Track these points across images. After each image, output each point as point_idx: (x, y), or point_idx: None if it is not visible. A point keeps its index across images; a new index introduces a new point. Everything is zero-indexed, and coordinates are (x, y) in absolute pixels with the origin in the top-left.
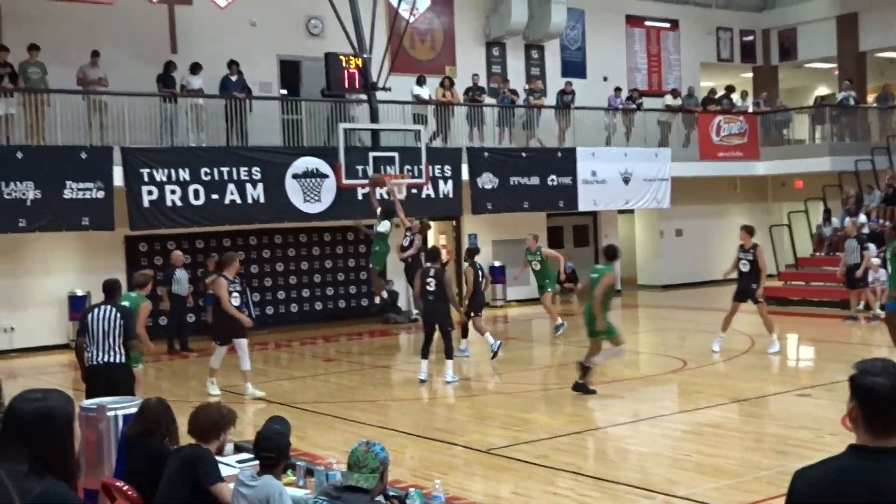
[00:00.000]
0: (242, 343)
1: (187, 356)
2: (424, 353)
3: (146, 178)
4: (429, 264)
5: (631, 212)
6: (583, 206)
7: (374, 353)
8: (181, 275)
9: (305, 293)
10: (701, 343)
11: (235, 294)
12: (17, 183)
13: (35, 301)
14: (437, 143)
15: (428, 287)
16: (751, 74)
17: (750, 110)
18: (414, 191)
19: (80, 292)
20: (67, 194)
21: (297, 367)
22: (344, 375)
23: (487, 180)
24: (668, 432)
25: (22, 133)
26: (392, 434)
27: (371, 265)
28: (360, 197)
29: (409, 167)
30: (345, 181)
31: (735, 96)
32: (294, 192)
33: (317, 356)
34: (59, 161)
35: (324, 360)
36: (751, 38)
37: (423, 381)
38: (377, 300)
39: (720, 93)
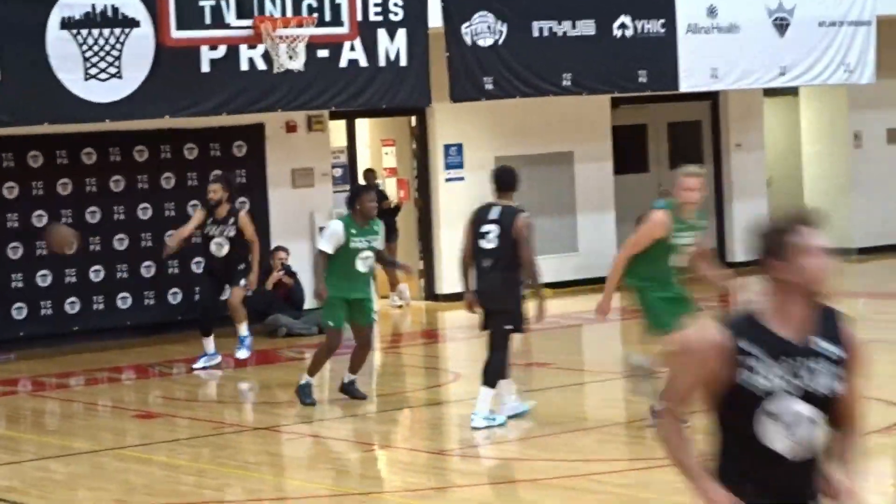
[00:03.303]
0: None
1: None
2: (486, 376)
3: None
4: (496, 201)
5: (793, 93)
6: (688, 82)
7: (232, 396)
8: None
9: (96, 276)
10: None
11: None
12: None
13: None
14: None
15: (483, 244)
16: None
17: None
18: (325, 53)
19: None
20: None
21: (73, 431)
22: (176, 448)
23: (483, 28)
24: None
25: None
26: None
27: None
28: (205, 67)
29: (312, 2)
30: (175, 34)
31: None
32: (64, 59)
33: (120, 408)
34: None
35: (135, 415)
36: None
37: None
38: None
39: None
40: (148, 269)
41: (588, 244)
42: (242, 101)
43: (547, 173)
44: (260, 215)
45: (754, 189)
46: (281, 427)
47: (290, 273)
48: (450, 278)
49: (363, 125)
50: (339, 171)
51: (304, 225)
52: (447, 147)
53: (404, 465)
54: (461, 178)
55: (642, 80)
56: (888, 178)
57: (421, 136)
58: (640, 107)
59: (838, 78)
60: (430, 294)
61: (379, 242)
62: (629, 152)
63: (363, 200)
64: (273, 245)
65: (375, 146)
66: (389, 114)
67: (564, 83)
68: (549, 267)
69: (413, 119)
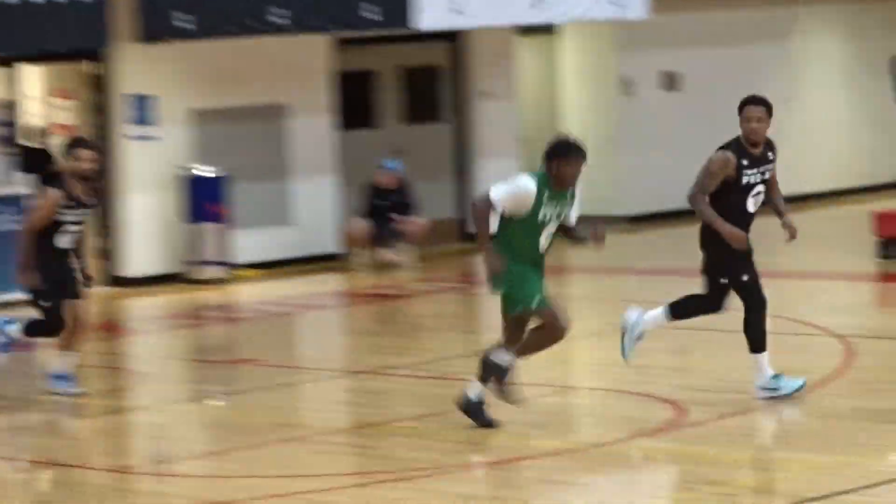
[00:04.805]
0: None
1: None
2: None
3: None
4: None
5: (546, 31)
6: (428, 20)
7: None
8: None
9: None
10: (723, 359)
11: None
12: None
13: None
14: None
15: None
16: None
17: None
18: None
19: None
20: None
21: None
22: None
23: None
24: None
25: None
26: None
27: None
28: None
29: None
30: None
31: None
32: None
33: None
34: None
35: None
36: None
37: None
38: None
39: None
40: None
41: (305, 215)
42: None
43: (254, 130)
44: None
45: (504, 145)
46: None
47: None
48: (138, 258)
49: (31, 73)
50: None
51: None
52: (133, 98)
53: (76, 487)
54: (151, 137)
55: (370, 15)
56: (663, 131)
57: (101, 84)
58: (368, 49)
59: (604, 12)
60: (114, 278)
61: None
62: (355, 104)
63: None
64: None
65: (46, 98)
66: (67, 59)
67: (275, 20)
68: (256, 244)
69: (93, 63)
